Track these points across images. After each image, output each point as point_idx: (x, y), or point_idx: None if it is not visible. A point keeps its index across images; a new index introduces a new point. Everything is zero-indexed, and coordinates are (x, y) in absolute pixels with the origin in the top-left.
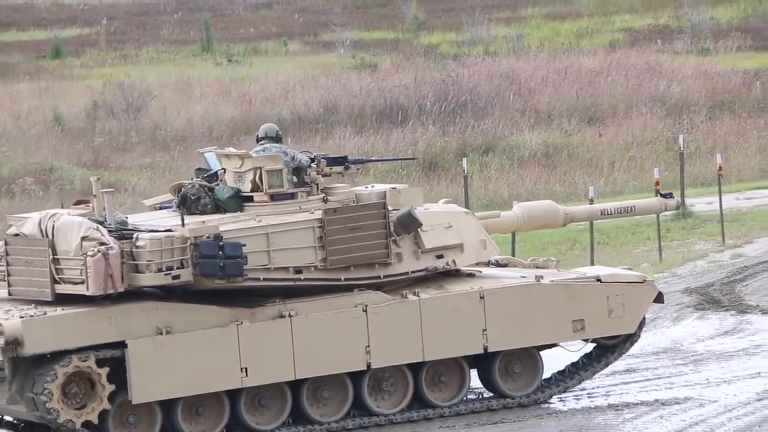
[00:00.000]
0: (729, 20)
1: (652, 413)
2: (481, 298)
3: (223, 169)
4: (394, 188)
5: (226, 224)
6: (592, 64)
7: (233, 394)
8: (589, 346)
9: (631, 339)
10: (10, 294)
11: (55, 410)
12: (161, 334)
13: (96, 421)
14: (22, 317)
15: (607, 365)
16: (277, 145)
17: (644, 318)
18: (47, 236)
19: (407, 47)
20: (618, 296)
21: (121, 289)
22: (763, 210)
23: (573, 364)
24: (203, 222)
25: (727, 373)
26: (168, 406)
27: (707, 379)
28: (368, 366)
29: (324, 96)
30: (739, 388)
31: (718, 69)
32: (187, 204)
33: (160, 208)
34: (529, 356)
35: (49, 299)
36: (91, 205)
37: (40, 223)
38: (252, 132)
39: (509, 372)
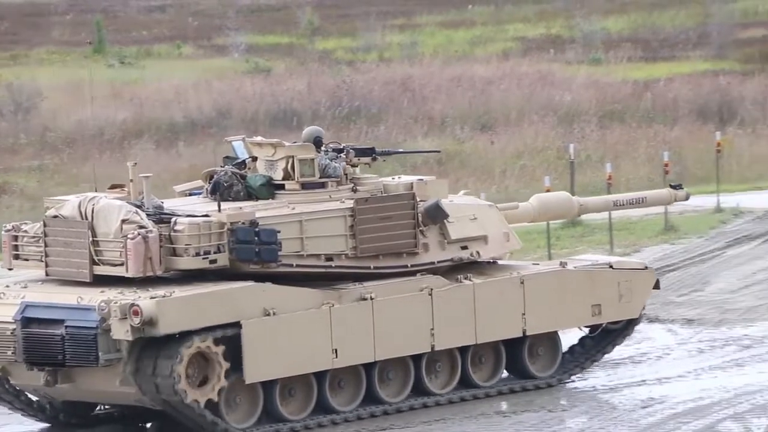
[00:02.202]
0: (620, 31)
1: (536, 420)
2: (521, 283)
3: (251, 157)
4: (421, 180)
5: (261, 211)
6: (485, 72)
7: (319, 376)
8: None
9: (634, 323)
10: (47, 274)
11: (183, 391)
12: (269, 315)
13: (216, 399)
14: (154, 298)
15: (614, 348)
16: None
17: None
18: (86, 218)
19: (302, 52)
20: (627, 282)
21: (159, 272)
22: (652, 219)
23: (583, 347)
24: (240, 208)
25: (613, 380)
26: (266, 387)
27: (594, 387)
28: (432, 348)
29: (217, 100)
30: (625, 396)
31: (609, 79)
32: (219, 191)
33: (190, 195)
34: (550, 339)
35: (87, 280)
36: (126, 189)
37: (79, 206)
38: (143, 135)
39: (533, 354)
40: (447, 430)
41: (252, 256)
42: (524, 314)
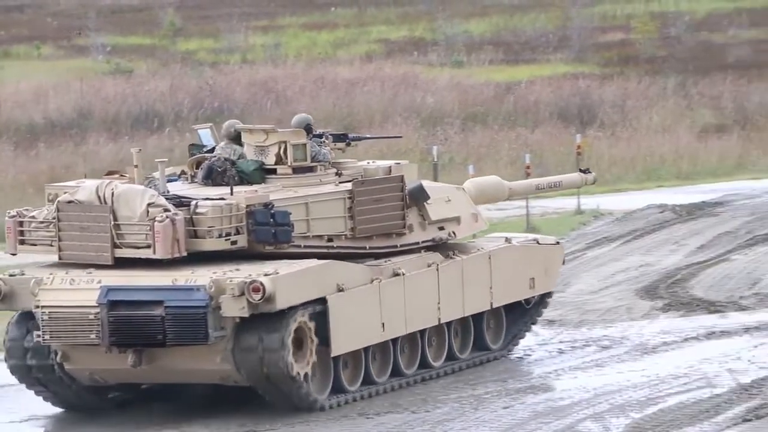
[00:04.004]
0: (482, 34)
1: (398, 421)
2: (489, 258)
3: (223, 143)
4: (398, 163)
5: (272, 194)
6: (348, 74)
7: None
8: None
9: (550, 295)
10: (60, 258)
11: (291, 364)
12: (341, 291)
13: (311, 374)
14: (268, 275)
15: (537, 320)
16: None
17: None
18: (106, 203)
19: (164, 53)
20: (548, 257)
21: (184, 254)
22: (514, 220)
23: (513, 320)
24: (255, 191)
25: (475, 381)
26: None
27: (456, 387)
28: (438, 321)
29: (78, 101)
30: (487, 397)
31: (471, 81)
32: (212, 176)
33: (169, 182)
34: (497, 312)
35: (109, 263)
36: (127, 175)
37: (97, 191)
38: (2, 136)
39: (488, 327)
40: None
41: (269, 237)
42: (491, 288)
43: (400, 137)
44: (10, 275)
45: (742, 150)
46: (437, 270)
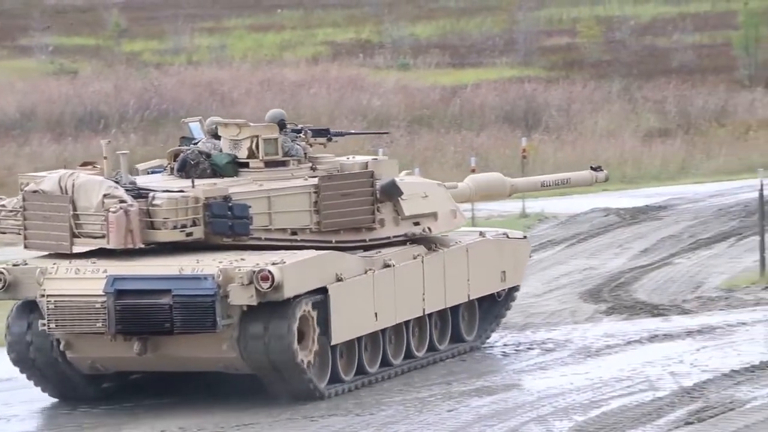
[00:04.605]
0: (428, 37)
1: (342, 423)
2: (466, 251)
3: (213, 136)
4: (375, 159)
5: (232, 187)
6: (294, 76)
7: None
8: None
9: (517, 288)
10: (25, 247)
11: (296, 351)
12: (340, 280)
13: (314, 362)
14: (276, 264)
15: (506, 312)
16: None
17: None
18: (67, 193)
19: (109, 54)
20: (517, 251)
21: (140, 245)
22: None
23: (485, 313)
24: (214, 184)
25: (419, 384)
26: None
27: (401, 390)
28: (423, 312)
29: (21, 102)
30: (431, 399)
31: (418, 84)
32: (186, 168)
33: (152, 173)
34: (471, 305)
35: (68, 252)
36: (99, 166)
37: (59, 181)
38: None
39: (463, 318)
40: None
41: (226, 229)
42: (469, 280)
43: (388, 132)
44: (14, 265)
45: (686, 154)
46: (422, 262)
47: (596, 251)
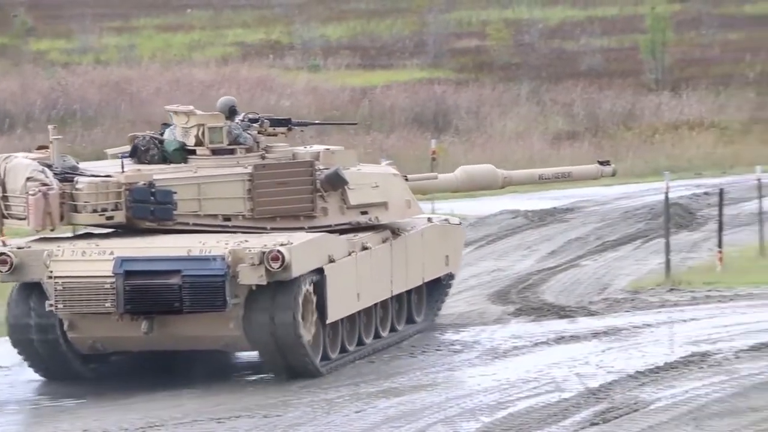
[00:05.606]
0: (338, 38)
1: (249, 425)
2: (422, 235)
3: (167, 124)
4: (328, 149)
5: (162, 173)
6: (204, 77)
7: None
8: None
9: (453, 275)
10: None
11: (300, 326)
12: (332, 261)
13: (312, 342)
14: (284, 245)
15: (446, 297)
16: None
17: None
18: (0, 176)
19: (15, 53)
20: (457, 236)
21: (60, 226)
22: None
23: (430, 295)
24: (139, 170)
25: (329, 384)
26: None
27: (309, 391)
28: (391, 294)
29: None
30: (339, 400)
31: (328, 86)
32: (137, 154)
33: (122, 157)
34: (420, 288)
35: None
36: (49, 150)
37: None
38: None
39: (414, 301)
40: None
41: (147, 214)
42: (423, 263)
43: (356, 123)
44: (18, 248)
45: (594, 157)
46: (391, 246)
47: (504, 253)
